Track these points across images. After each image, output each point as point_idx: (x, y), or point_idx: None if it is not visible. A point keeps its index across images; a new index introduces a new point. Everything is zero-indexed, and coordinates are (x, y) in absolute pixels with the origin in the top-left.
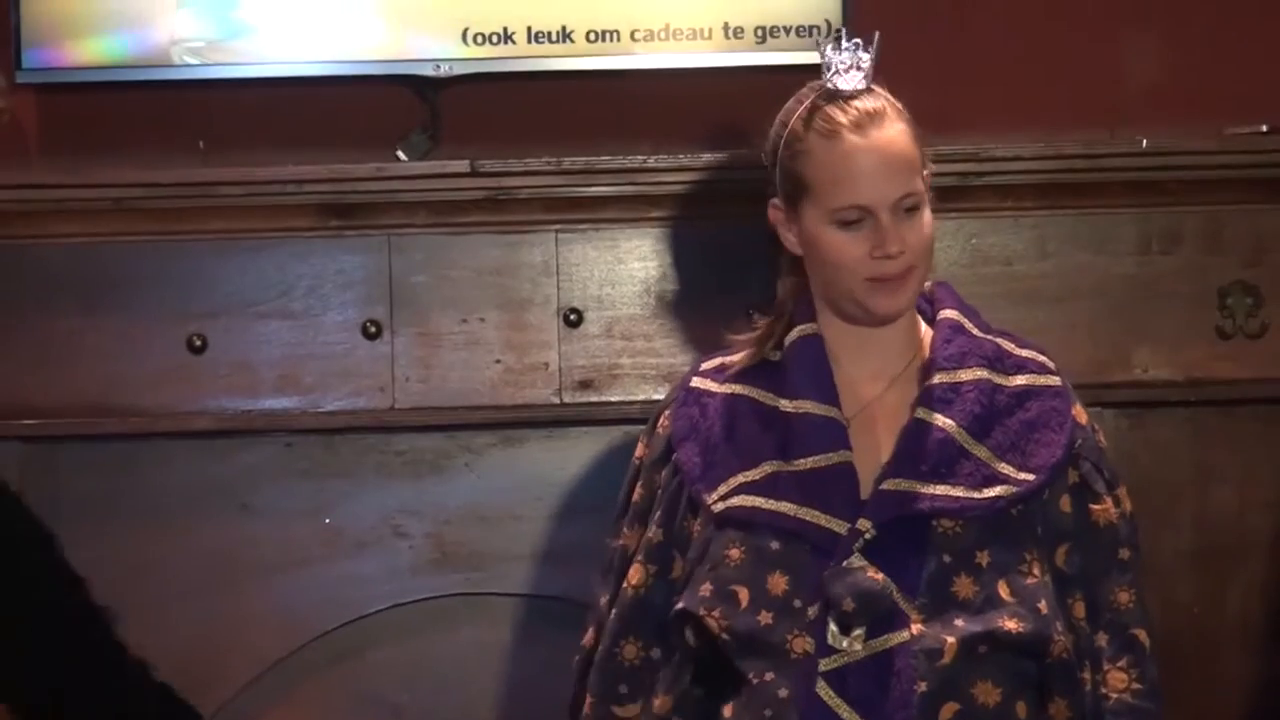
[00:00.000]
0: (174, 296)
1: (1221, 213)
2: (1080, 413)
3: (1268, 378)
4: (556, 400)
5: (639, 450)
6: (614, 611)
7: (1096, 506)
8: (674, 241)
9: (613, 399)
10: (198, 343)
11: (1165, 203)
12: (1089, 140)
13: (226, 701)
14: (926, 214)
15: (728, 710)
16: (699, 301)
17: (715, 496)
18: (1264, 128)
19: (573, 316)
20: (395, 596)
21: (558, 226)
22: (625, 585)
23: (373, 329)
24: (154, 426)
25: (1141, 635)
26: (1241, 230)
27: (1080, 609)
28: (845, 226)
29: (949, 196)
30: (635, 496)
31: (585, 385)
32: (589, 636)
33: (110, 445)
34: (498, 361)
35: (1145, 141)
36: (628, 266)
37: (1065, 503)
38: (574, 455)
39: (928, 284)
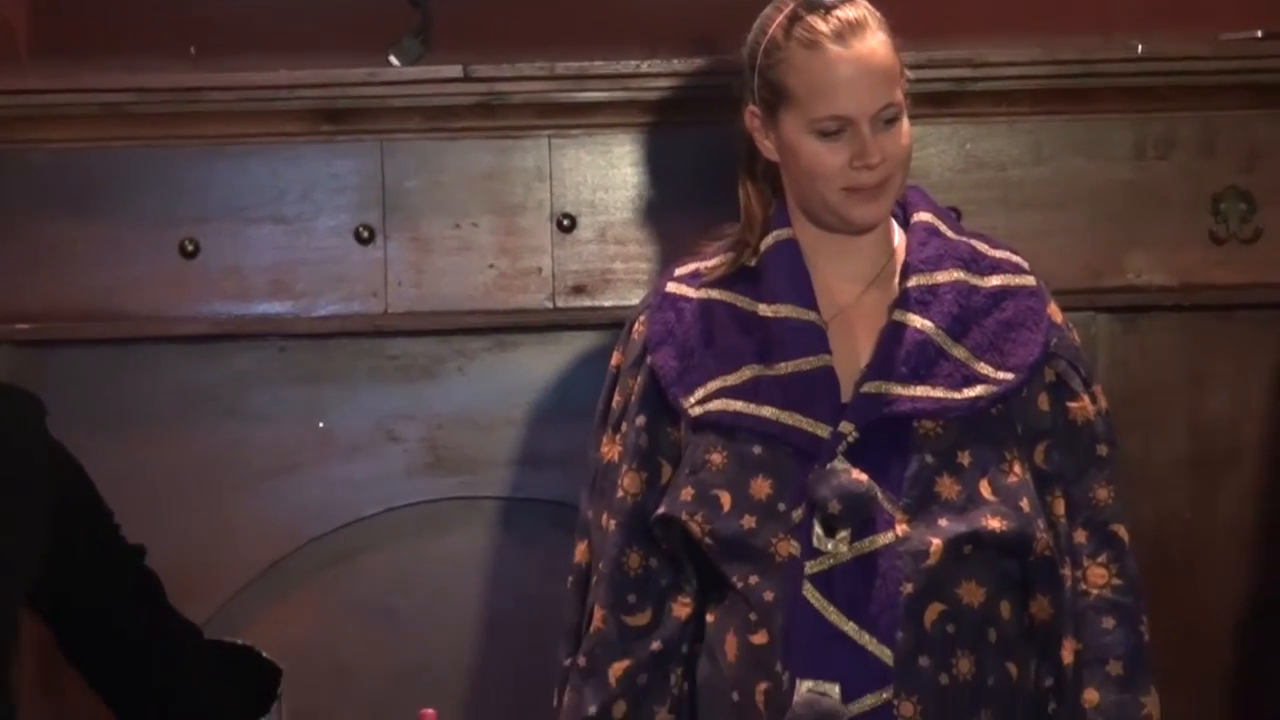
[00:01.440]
0: (165, 201)
1: (1216, 118)
2: (1055, 311)
3: (1261, 283)
4: (549, 305)
5: (615, 358)
6: (615, 521)
7: (1074, 404)
8: (667, 147)
9: (605, 304)
10: (189, 248)
11: (1160, 108)
12: (1084, 46)
13: (220, 607)
14: (905, 124)
15: (710, 616)
16: (691, 206)
17: (693, 400)
18: (1259, 33)
19: (565, 221)
20: (388, 500)
21: (550, 132)
22: (624, 494)
23: (365, 234)
24: (145, 331)
25: (1120, 531)
26: (1236, 136)
27: (1060, 506)
28: (825, 136)
29: (944, 102)
30: (614, 405)
31: (578, 290)
32: (580, 551)
33: (101, 350)
34: (491, 266)
35: (1140, 47)
36: (621, 172)
37: (1043, 401)
38: (567, 359)
39: None
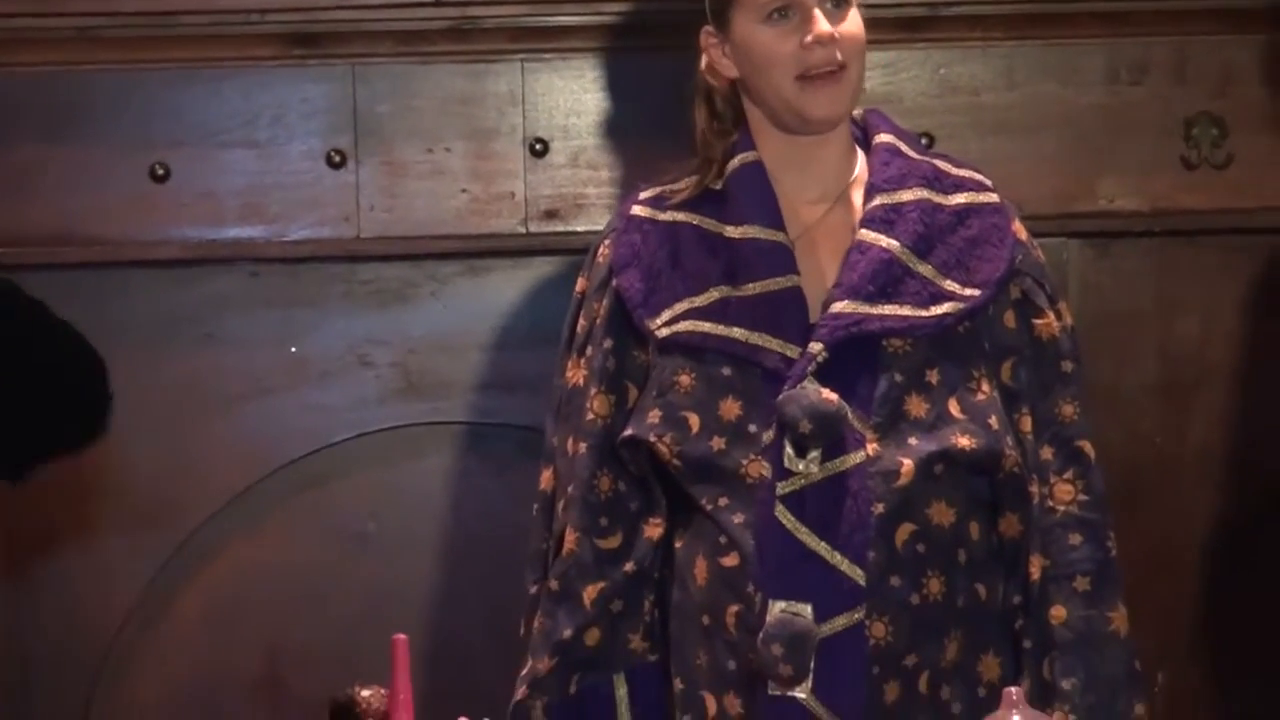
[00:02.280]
0: (136, 126)
1: (1189, 43)
2: (1019, 229)
3: (1232, 208)
4: (522, 230)
5: (580, 284)
6: (585, 444)
7: (1039, 321)
8: (640, 71)
9: (578, 228)
10: (160, 172)
11: (1133, 33)
12: None
13: (192, 531)
14: (857, 15)
15: (679, 542)
16: (664, 131)
17: (660, 322)
18: None
19: (539, 146)
20: (361, 425)
21: (523, 56)
22: (594, 417)
23: (337, 158)
24: (117, 255)
25: (1086, 447)
26: (1208, 61)
27: (1026, 423)
28: (773, 22)
29: (917, 26)
30: (579, 329)
31: (551, 215)
32: (545, 478)
33: (73, 274)
34: (463, 191)
35: None
36: (594, 96)
37: (1009, 318)
38: (540, 284)
39: (858, 111)
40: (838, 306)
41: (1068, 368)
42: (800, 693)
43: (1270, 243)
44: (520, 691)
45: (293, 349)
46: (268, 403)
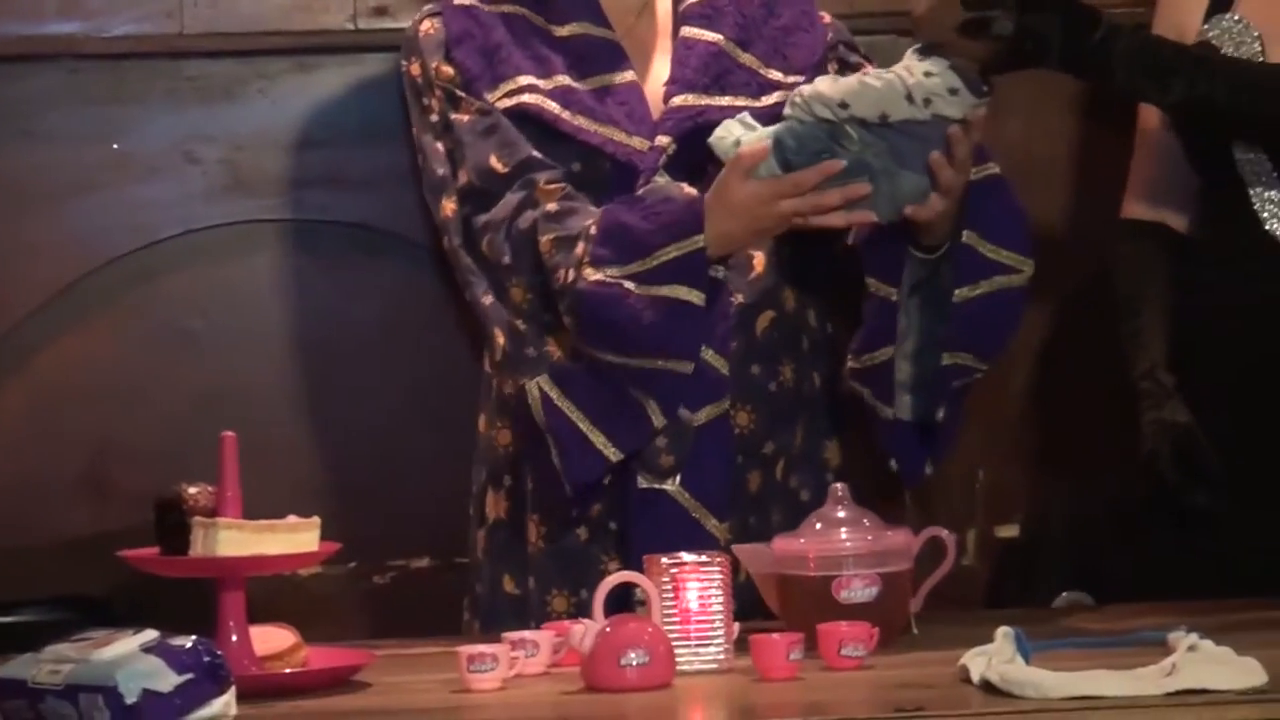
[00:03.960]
0: None
1: None
2: (824, 15)
3: None
4: (351, 26)
5: (414, 68)
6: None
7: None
8: None
9: (408, 25)
10: None
11: None
12: None
13: (15, 325)
14: None
15: None
16: None
17: (500, 93)
18: None
19: None
20: (188, 222)
21: None
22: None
23: None
24: None
25: None
26: None
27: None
28: None
29: None
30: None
31: (380, 11)
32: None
33: None
34: None
35: None
36: None
37: None
38: (369, 81)
39: None
40: (677, 100)
41: None
42: (669, 485)
43: None
44: (570, 275)
45: (115, 145)
46: (92, 199)
